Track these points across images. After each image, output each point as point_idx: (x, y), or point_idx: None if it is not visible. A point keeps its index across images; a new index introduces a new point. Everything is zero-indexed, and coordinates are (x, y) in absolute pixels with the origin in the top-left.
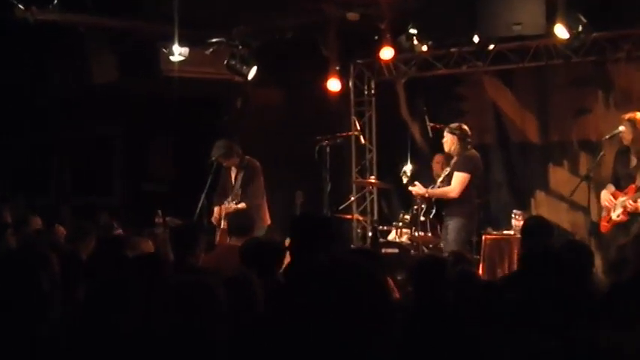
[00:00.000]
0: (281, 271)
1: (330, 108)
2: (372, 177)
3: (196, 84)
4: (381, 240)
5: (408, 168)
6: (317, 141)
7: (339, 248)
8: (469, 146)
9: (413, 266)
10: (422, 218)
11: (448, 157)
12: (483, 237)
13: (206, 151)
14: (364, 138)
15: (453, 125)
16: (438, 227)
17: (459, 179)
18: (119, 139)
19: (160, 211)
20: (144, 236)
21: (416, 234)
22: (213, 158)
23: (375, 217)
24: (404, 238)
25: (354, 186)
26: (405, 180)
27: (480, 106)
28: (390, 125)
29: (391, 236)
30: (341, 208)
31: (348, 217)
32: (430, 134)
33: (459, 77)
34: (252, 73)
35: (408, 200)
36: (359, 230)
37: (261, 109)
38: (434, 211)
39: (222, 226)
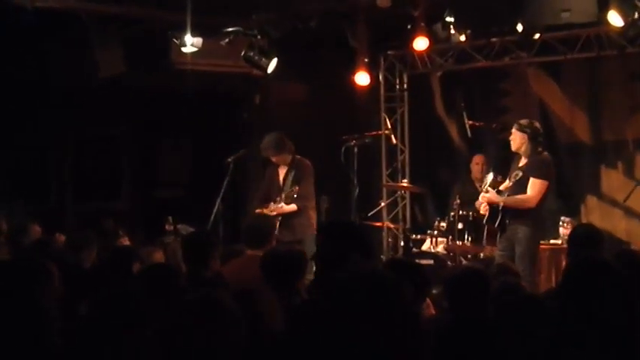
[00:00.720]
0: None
1: (357, 104)
2: (405, 180)
3: (211, 78)
4: (414, 250)
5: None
6: (343, 141)
7: (370, 260)
8: (540, 148)
9: (450, 279)
10: (459, 226)
11: (501, 157)
12: None
13: (222, 151)
14: (395, 137)
15: (523, 122)
16: (497, 236)
17: (537, 187)
18: (127, 139)
19: (170, 218)
20: (154, 245)
21: (453, 243)
22: (263, 153)
23: (408, 224)
24: (439, 248)
25: (384, 190)
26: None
27: (524, 102)
28: (424, 123)
29: (425, 246)
30: (370, 214)
31: (378, 224)
32: (468, 133)
33: (501, 70)
34: (272, 65)
35: (443, 206)
36: (390, 239)
37: (282, 105)
38: (498, 220)
39: None
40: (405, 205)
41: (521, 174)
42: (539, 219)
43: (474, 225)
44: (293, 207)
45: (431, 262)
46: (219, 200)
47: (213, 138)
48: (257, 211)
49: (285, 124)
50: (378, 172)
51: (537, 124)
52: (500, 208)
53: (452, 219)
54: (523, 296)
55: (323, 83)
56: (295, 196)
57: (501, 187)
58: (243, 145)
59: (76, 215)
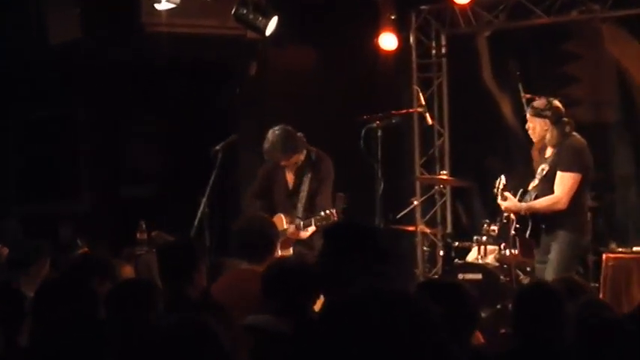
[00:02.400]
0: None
1: (382, 75)
2: (444, 172)
3: (192, 44)
4: (458, 261)
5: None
6: (364, 122)
7: (397, 277)
8: (568, 129)
9: (518, 296)
10: (513, 232)
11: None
12: (604, 256)
13: (207, 137)
14: (431, 117)
15: (539, 104)
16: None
17: (566, 182)
18: (85, 122)
19: (143, 223)
20: (121, 258)
21: (507, 252)
22: (267, 157)
23: (449, 228)
24: (489, 259)
25: (417, 185)
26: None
27: (596, 68)
28: (468, 98)
29: (472, 256)
30: (399, 216)
31: (410, 228)
32: (526, 111)
33: (568, 28)
34: (271, 26)
35: (494, 205)
36: (425, 247)
37: (285, 77)
38: (529, 228)
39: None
40: (444, 203)
41: (547, 168)
42: (582, 220)
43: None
44: (313, 229)
45: (479, 276)
46: (204, 200)
47: (196, 120)
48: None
49: (289, 101)
50: (410, 162)
51: (557, 102)
52: (528, 215)
53: (505, 221)
54: (614, 319)
55: (337, 48)
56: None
57: (530, 187)
58: (235, 128)
59: (22, 221)
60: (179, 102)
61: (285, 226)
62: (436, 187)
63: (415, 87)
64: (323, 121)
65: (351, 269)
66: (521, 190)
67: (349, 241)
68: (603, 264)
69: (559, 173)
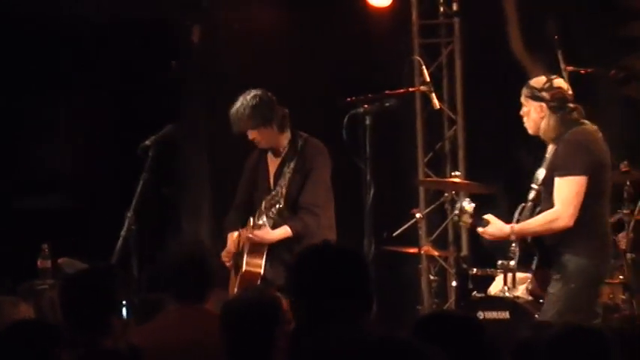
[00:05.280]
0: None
1: (372, 41)
2: (457, 173)
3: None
4: (477, 294)
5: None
6: (347, 105)
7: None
8: (575, 115)
9: (552, 341)
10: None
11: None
12: None
13: (134, 128)
14: (439, 99)
15: (536, 82)
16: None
17: (567, 191)
18: None
19: (46, 246)
20: (18, 294)
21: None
22: (234, 127)
23: (464, 250)
24: (520, 291)
25: (421, 191)
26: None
27: None
28: (488, 73)
29: (496, 287)
30: (397, 233)
31: (411, 250)
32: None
33: None
34: None
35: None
36: (433, 276)
37: (243, 45)
38: (537, 257)
39: (241, 269)
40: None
41: (545, 172)
42: (598, 240)
43: None
44: (285, 231)
45: (505, 314)
46: (129, 214)
47: (120, 105)
48: (230, 235)
49: (248, 79)
50: (410, 160)
51: (560, 82)
52: (529, 241)
53: None
54: None
55: (314, 7)
56: (279, 207)
57: (529, 198)
58: (173, 116)
59: None
60: (97, 80)
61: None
62: (446, 194)
63: (417, 57)
64: (294, 104)
65: (328, 312)
66: (520, 207)
67: (320, 274)
68: None
69: (556, 180)
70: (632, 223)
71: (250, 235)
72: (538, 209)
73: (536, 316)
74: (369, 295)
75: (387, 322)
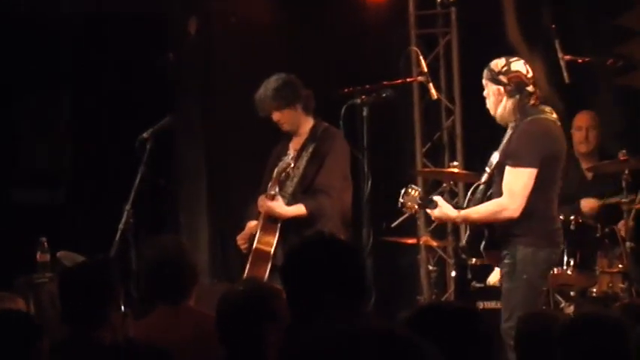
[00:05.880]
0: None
1: (368, 31)
2: (455, 163)
3: None
4: (476, 285)
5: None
6: (344, 96)
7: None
8: (531, 102)
9: (565, 330)
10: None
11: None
12: None
13: (133, 120)
14: (436, 89)
15: (495, 64)
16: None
17: (516, 182)
18: None
19: (44, 240)
20: (14, 289)
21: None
22: (259, 110)
23: (463, 240)
24: None
25: (419, 182)
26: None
27: None
28: (485, 62)
29: (495, 277)
30: (395, 224)
31: (410, 241)
32: (565, 76)
33: None
34: None
35: None
36: (432, 266)
37: (239, 36)
38: (485, 239)
39: (253, 245)
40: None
41: (498, 157)
42: (545, 228)
43: (580, 238)
44: (299, 208)
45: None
46: (128, 207)
47: (118, 98)
48: (249, 223)
49: (244, 69)
50: (408, 151)
51: (520, 65)
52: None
53: None
54: None
55: None
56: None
57: (482, 181)
58: (169, 109)
59: None
60: (94, 73)
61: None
62: (445, 185)
63: (414, 48)
64: None
65: (324, 304)
66: (473, 186)
67: (315, 267)
68: None
69: (507, 169)
70: (632, 212)
71: (271, 204)
72: (490, 192)
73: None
74: (363, 286)
75: (386, 313)
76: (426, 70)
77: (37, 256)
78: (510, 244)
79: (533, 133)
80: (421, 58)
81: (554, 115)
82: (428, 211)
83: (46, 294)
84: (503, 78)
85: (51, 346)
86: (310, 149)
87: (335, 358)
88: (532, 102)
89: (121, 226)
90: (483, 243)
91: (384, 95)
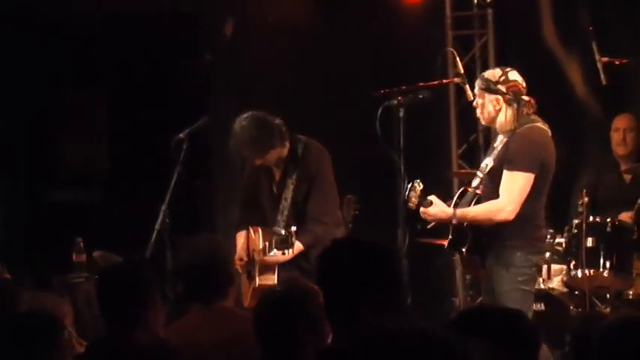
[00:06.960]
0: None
1: (405, 33)
2: None
3: None
4: None
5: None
6: (381, 97)
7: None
8: (526, 111)
9: (603, 334)
10: (589, 242)
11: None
12: None
13: (169, 121)
14: (472, 91)
15: (490, 74)
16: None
17: (514, 185)
18: None
19: (80, 240)
20: (52, 288)
21: (579, 273)
22: (243, 154)
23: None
24: (555, 283)
25: (454, 183)
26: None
27: None
28: (522, 64)
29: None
30: (430, 225)
31: (444, 242)
32: (603, 78)
33: None
34: None
35: (560, 208)
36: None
37: (274, 36)
38: (468, 241)
39: (254, 282)
40: None
41: (492, 163)
42: (534, 234)
43: (617, 240)
44: (298, 247)
45: (540, 306)
46: (164, 207)
47: (153, 99)
48: (239, 237)
49: (279, 70)
50: (444, 152)
51: (515, 75)
52: (465, 226)
53: (576, 231)
54: None
55: (348, 0)
56: (293, 239)
57: (473, 185)
58: (205, 109)
59: None
60: (129, 74)
61: (261, 246)
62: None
63: (450, 49)
64: (326, 96)
65: (356, 304)
66: (460, 190)
67: (351, 268)
68: None
69: (505, 172)
70: None
71: (272, 256)
72: (477, 198)
73: (572, 307)
74: (400, 287)
75: (422, 314)
76: (462, 71)
77: (73, 257)
78: (500, 248)
79: (534, 140)
80: (457, 59)
81: (546, 125)
82: (422, 209)
83: (83, 294)
84: (502, 87)
85: (87, 345)
86: (294, 176)
87: (383, 356)
88: (527, 111)
89: (157, 226)
90: (467, 245)
91: (420, 96)
